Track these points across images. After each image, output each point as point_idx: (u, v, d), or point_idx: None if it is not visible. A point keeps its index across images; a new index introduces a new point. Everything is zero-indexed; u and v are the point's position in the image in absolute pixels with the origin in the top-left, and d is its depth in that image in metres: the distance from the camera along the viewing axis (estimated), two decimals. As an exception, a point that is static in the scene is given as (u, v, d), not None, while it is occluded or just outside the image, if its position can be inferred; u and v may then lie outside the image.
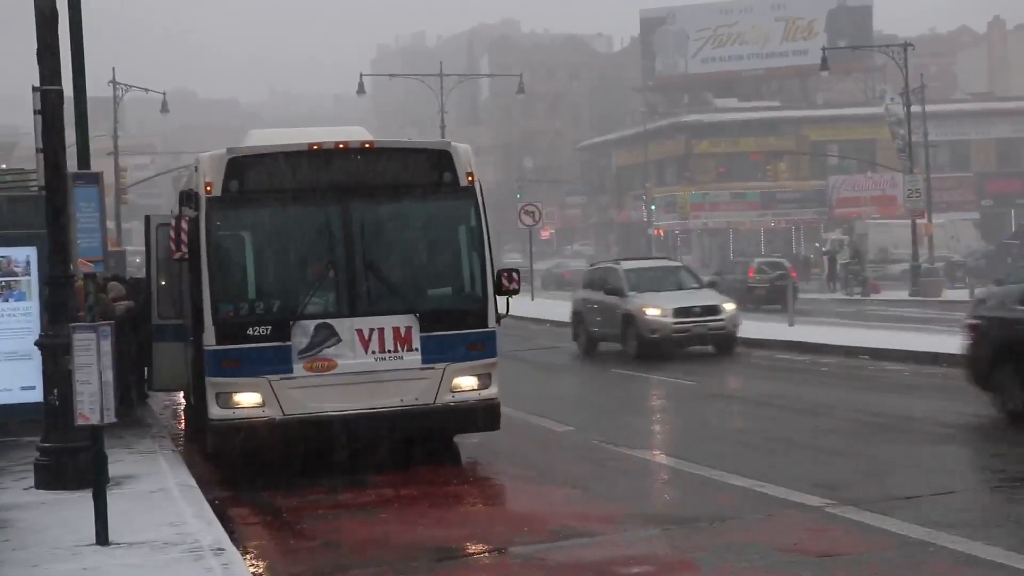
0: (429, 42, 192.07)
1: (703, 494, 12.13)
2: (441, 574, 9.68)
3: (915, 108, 52.60)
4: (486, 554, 10.33)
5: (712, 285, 30.94)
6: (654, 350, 26.18)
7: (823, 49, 58.34)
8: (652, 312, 26.59)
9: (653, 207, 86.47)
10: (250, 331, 13.30)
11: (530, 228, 49.10)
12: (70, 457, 12.17)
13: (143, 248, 18.47)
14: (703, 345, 27.02)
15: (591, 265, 33.64)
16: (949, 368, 22.19)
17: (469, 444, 15.51)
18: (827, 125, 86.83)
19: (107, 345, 9.92)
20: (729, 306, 27.53)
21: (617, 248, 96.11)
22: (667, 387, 21.68)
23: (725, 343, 27.02)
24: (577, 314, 30.11)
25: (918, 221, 50.88)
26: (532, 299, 47.76)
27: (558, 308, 45.22)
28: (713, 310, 27.01)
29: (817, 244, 73.61)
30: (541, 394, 21.12)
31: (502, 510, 12.63)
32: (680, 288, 28.32)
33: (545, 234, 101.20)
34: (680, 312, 26.50)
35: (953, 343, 25.19)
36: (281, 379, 13.28)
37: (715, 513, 11.12)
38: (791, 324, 31.39)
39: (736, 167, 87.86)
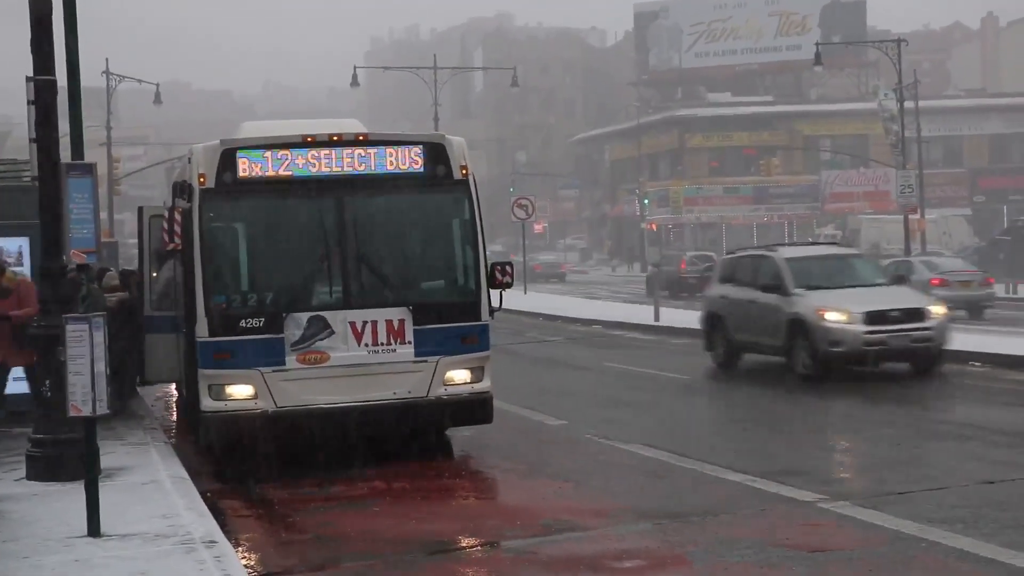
0: (423, 35, 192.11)
1: (696, 488, 12.13)
2: (433, 567, 9.67)
3: (908, 104, 52.62)
4: (478, 548, 10.32)
5: (900, 280, 24.39)
6: (836, 367, 20.33)
7: (817, 44, 58.31)
8: (834, 317, 20.24)
9: (646, 201, 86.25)
10: (243, 323, 13.29)
11: (523, 222, 49.04)
12: (62, 449, 12.13)
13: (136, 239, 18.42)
14: (901, 362, 21.11)
15: (730, 253, 28.43)
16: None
17: (461, 438, 15.50)
18: (820, 120, 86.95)
19: (99, 336, 9.90)
20: (937, 310, 21.12)
21: (611, 242, 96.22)
22: (659, 381, 21.67)
23: (929, 359, 20.63)
24: (713, 316, 23.81)
25: (911, 217, 50.90)
26: (525, 292, 47.76)
27: (550, 301, 45.41)
28: (916, 315, 20.52)
29: (810, 239, 73.63)
30: (534, 388, 21.11)
31: (494, 504, 12.62)
32: (862, 284, 21.87)
33: (538, 228, 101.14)
34: (874, 317, 20.14)
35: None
36: (274, 371, 13.27)
37: (708, 507, 11.12)
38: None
39: (729, 162, 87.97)
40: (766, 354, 22.28)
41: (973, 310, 35.21)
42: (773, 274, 22.01)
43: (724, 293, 23.71)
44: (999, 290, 41.43)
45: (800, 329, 20.62)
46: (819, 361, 20.26)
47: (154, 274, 17.03)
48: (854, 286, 21.62)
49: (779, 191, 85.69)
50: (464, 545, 10.42)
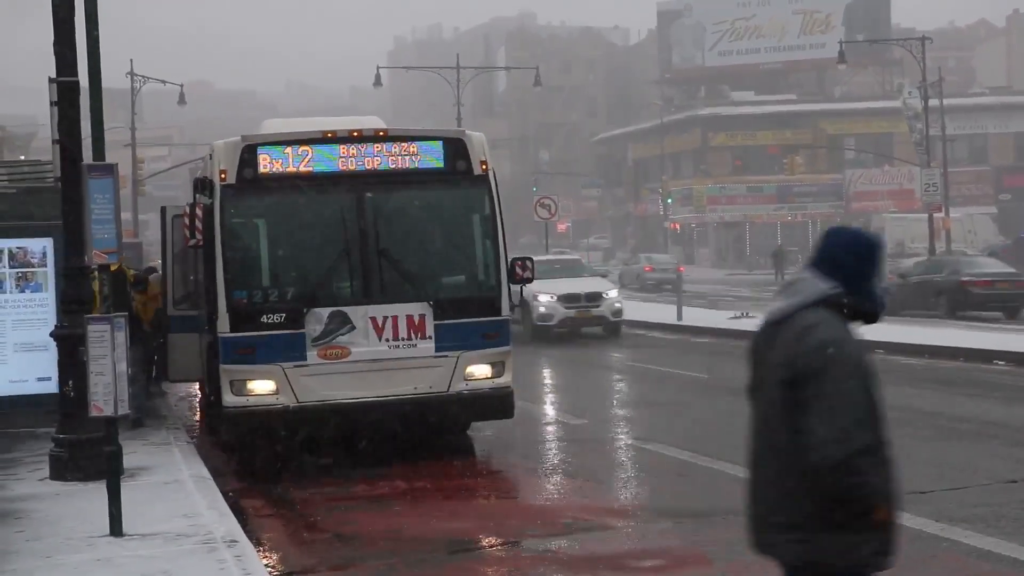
0: (446, 34, 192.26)
1: (716, 487, 12.10)
2: (454, 567, 9.67)
3: (933, 102, 52.37)
4: (499, 547, 10.32)
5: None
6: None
7: (840, 42, 58.15)
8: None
9: (669, 200, 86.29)
10: (264, 318, 13.32)
11: (546, 221, 48.99)
12: (85, 448, 12.20)
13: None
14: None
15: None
16: (966, 362, 22.15)
17: (483, 437, 15.51)
18: (844, 119, 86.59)
19: (121, 337, 9.94)
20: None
21: (634, 241, 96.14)
22: (680, 380, 21.64)
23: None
24: None
25: (935, 215, 50.68)
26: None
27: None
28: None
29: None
30: (556, 387, 21.11)
31: (515, 503, 12.61)
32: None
33: (561, 227, 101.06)
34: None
35: (968, 336, 25.19)
36: (295, 367, 13.30)
37: (729, 507, 11.06)
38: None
39: (752, 160, 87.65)
40: None
41: (675, 287, 53.76)
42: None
43: None
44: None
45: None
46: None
47: (177, 273, 17.10)
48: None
49: (803, 190, 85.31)
50: (485, 544, 10.43)
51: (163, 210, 17.80)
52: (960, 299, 33.21)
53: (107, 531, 9.90)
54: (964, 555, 9.10)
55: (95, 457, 11.82)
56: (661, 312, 37.02)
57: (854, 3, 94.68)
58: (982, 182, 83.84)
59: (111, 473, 10.11)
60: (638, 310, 39.77)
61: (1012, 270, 36.48)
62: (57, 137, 12.42)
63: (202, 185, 14.44)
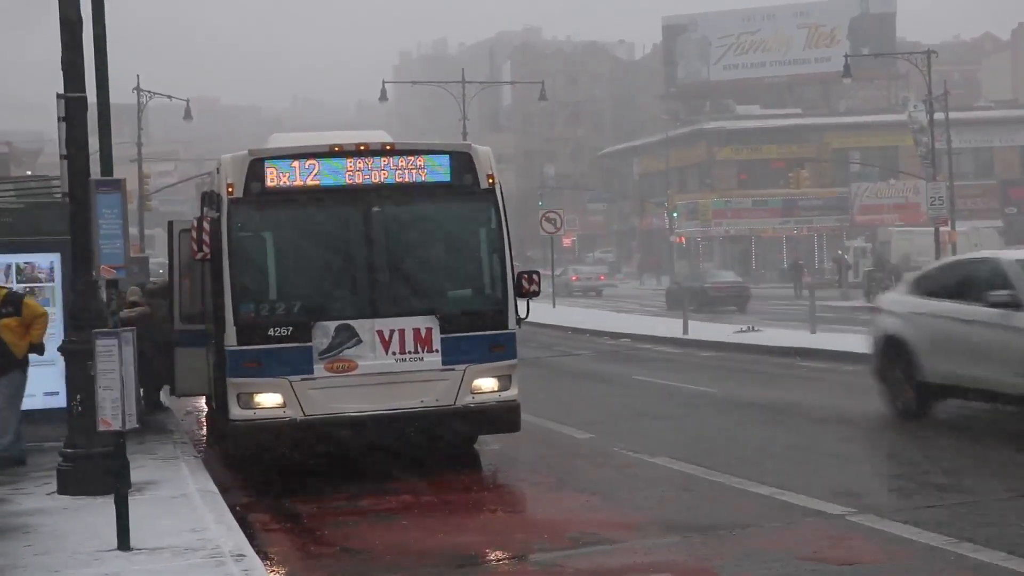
0: (451, 49, 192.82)
1: (723, 501, 12.09)
2: (461, 581, 9.68)
3: (938, 115, 52.39)
4: (506, 561, 10.31)
5: None
6: None
7: (846, 56, 58.24)
8: None
9: (675, 214, 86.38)
10: (271, 332, 13.35)
11: (551, 235, 49.11)
12: (93, 463, 12.20)
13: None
14: None
15: None
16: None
17: (489, 451, 15.50)
18: (849, 132, 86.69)
19: (129, 351, 9.95)
20: None
21: (639, 255, 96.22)
22: (685, 394, 21.61)
23: None
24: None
25: (941, 229, 50.65)
26: (554, 306, 47.71)
27: (579, 315, 45.41)
28: None
29: (840, 251, 73.41)
30: (562, 401, 21.08)
31: (522, 517, 12.59)
32: None
33: (567, 241, 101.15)
34: None
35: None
36: (302, 380, 13.33)
37: (735, 521, 11.08)
38: (813, 332, 31.28)
39: (758, 174, 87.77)
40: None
41: (597, 292, 71.73)
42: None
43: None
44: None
45: None
46: None
47: (184, 287, 17.10)
48: None
49: (808, 203, 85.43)
50: (491, 559, 10.42)
51: (170, 224, 17.81)
52: (705, 299, 50.03)
53: (115, 545, 9.91)
54: (974, 570, 9.06)
55: (103, 471, 11.82)
56: (668, 326, 37.03)
57: (859, 17, 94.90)
58: (988, 196, 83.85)
59: (119, 487, 10.11)
60: (640, 324, 39.85)
61: (739, 280, 56.76)
62: (65, 152, 12.46)
63: (209, 199, 14.48)
